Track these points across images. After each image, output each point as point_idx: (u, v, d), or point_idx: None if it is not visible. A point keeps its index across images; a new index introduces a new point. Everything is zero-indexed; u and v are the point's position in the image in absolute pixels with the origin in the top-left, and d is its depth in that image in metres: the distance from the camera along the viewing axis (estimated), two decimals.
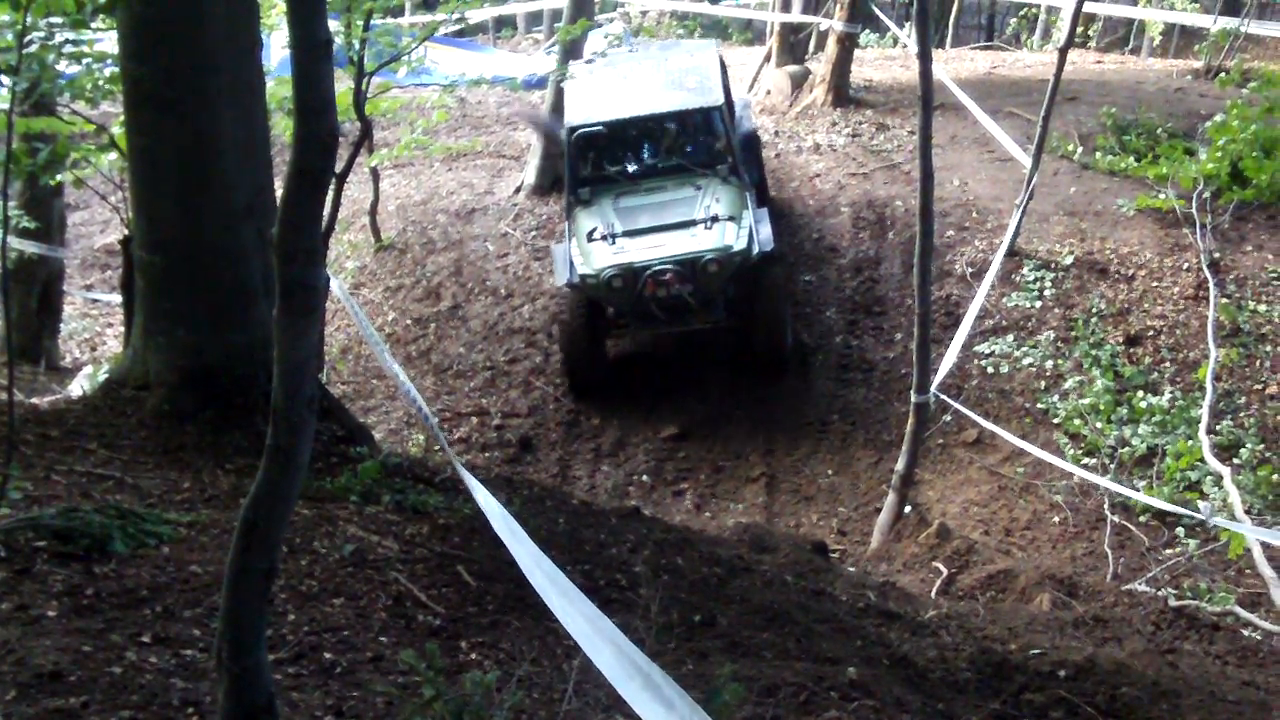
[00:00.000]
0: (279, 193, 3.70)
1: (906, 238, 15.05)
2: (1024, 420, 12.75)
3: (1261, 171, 14.79)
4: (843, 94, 20.05)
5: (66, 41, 8.87)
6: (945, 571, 10.27)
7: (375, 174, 16.64)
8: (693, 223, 13.44)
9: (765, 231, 13.56)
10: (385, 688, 4.67)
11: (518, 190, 17.87)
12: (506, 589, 5.83)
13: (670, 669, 5.28)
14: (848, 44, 19.99)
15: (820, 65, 20.76)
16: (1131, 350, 13.33)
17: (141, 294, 7.60)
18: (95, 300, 16.46)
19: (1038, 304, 14.05)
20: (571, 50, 17.32)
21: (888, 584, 9.42)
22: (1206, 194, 14.93)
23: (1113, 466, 11.85)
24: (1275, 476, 11.45)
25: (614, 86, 14.89)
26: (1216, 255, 14.22)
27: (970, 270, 14.59)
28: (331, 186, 7.94)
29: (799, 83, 20.77)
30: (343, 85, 9.92)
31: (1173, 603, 9.49)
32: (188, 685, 4.45)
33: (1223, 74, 19.18)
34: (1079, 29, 20.88)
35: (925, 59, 10.46)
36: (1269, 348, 13.15)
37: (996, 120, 16.39)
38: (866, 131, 18.93)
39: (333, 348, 14.75)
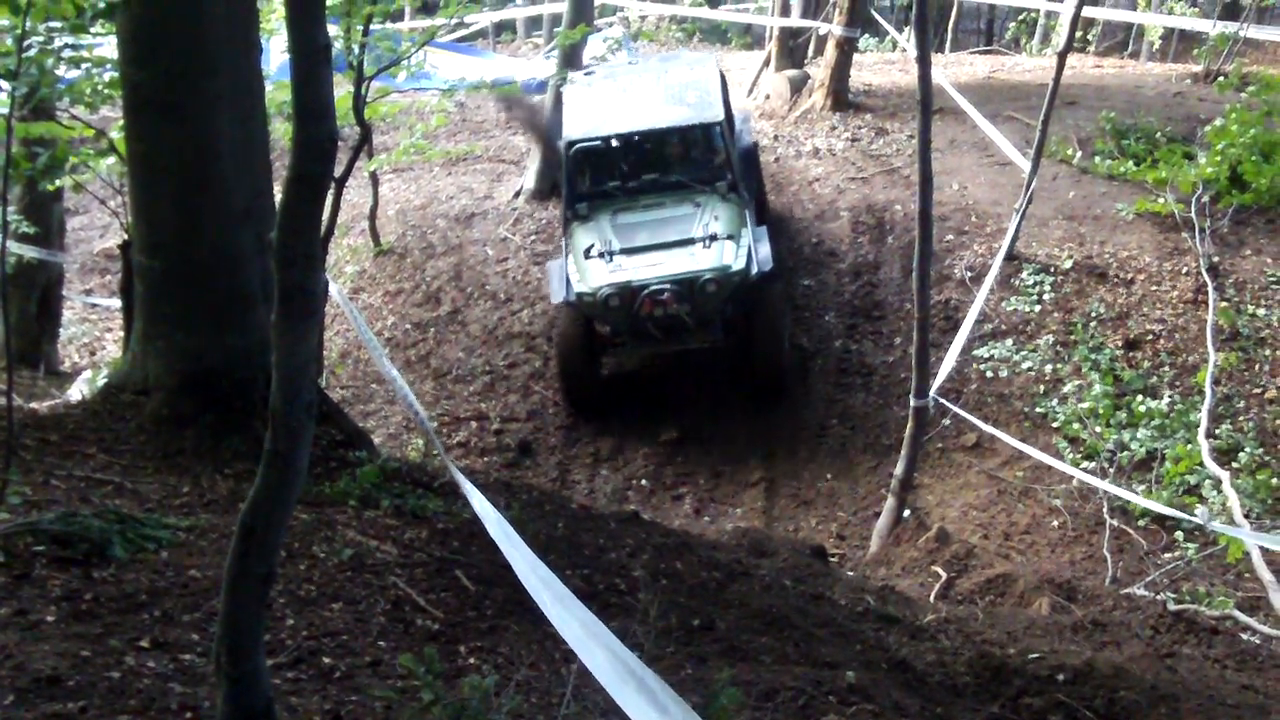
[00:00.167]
0: (278, 197, 3.69)
1: (905, 242, 15.07)
2: (1023, 424, 12.76)
3: (1260, 175, 14.80)
4: (842, 98, 20.05)
5: (66, 46, 8.86)
6: (944, 576, 10.27)
7: (375, 178, 16.65)
8: (691, 241, 13.29)
9: (764, 250, 13.38)
10: (384, 692, 4.67)
11: (517, 195, 17.88)
12: (505, 593, 5.83)
13: (669, 673, 5.29)
14: (847, 48, 20.00)
15: (819, 70, 20.77)
16: (1131, 354, 13.33)
17: (140, 298, 7.59)
18: (94, 305, 16.47)
19: (1037, 308, 14.06)
20: (571, 55, 17.35)
21: (887, 588, 9.42)
22: (1205, 198, 14.94)
23: (1112, 470, 11.85)
24: (1274, 480, 11.48)
25: (613, 100, 14.69)
26: (1215, 259, 14.22)
27: (969, 274, 14.60)
28: (331, 191, 7.95)
29: (798, 87, 20.78)
30: (342, 90, 9.93)
31: (1172, 607, 9.47)
32: (186, 690, 4.44)
33: (1221, 78, 19.20)
34: (1078, 33, 20.92)
35: (924, 63, 10.46)
36: (1268, 352, 13.16)
37: (995, 124, 16.41)
38: (865, 136, 18.94)
39: (332, 352, 14.75)
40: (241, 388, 7.32)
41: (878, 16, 24.73)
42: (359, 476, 7.28)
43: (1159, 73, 23.08)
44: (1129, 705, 6.65)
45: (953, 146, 17.79)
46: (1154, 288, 14.14)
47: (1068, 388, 13.00)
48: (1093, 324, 13.70)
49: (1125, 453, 12.06)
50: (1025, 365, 13.38)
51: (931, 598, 9.75)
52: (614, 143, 14.39)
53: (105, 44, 9.23)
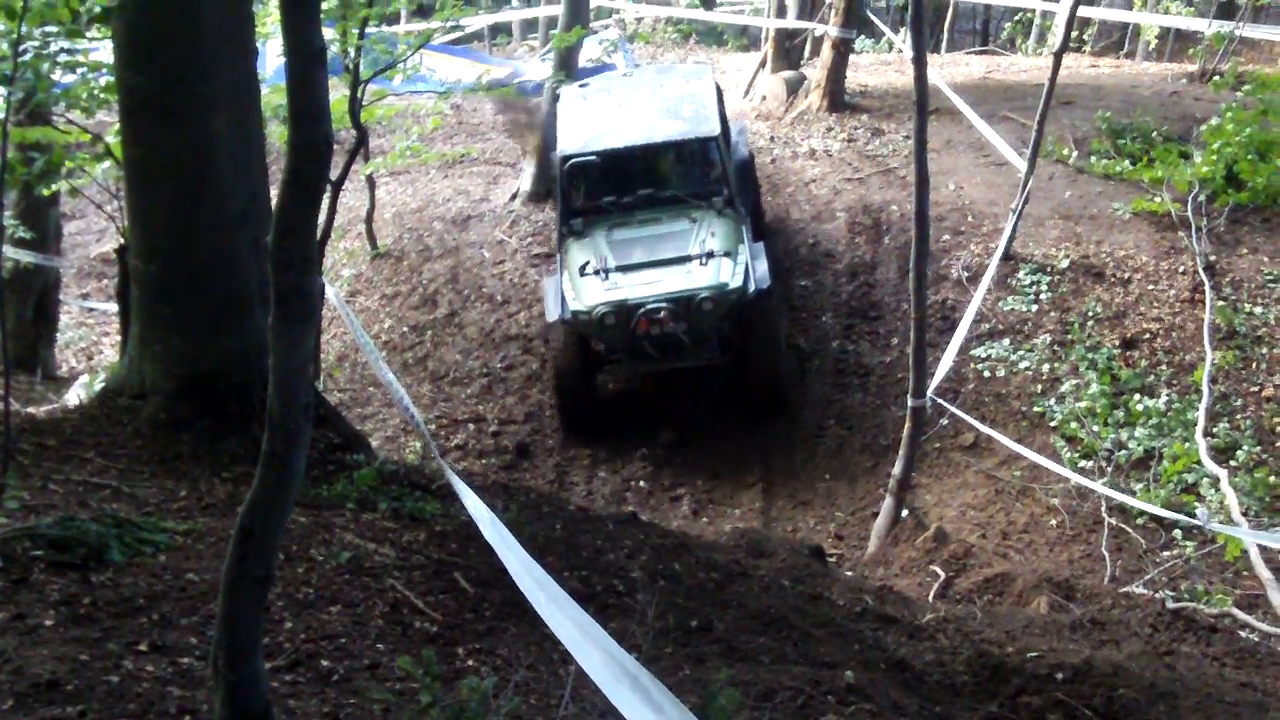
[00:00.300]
0: (275, 200, 3.70)
1: (902, 242, 15.07)
2: (1020, 424, 12.76)
3: (1257, 174, 14.81)
4: (838, 99, 20.08)
5: (62, 50, 8.87)
6: (942, 575, 10.27)
7: (371, 181, 16.66)
8: (687, 258, 13.14)
9: (761, 267, 13.24)
10: (382, 694, 4.67)
11: (514, 197, 17.90)
12: (504, 595, 5.83)
13: (667, 674, 5.30)
14: (843, 49, 20.02)
15: (815, 71, 20.81)
16: (1128, 353, 13.33)
17: (137, 302, 7.60)
18: (91, 309, 16.48)
19: (1034, 308, 14.06)
20: (567, 57, 17.35)
21: (885, 588, 9.42)
22: (1202, 197, 14.94)
23: (1110, 469, 11.86)
24: (1272, 478, 11.48)
25: (608, 114, 14.50)
26: (1212, 258, 14.23)
27: (966, 274, 14.60)
28: (327, 194, 7.96)
29: (794, 88, 20.80)
30: (338, 93, 9.94)
31: (1170, 605, 9.48)
32: (185, 693, 4.44)
33: (1217, 77, 19.19)
34: (1074, 33, 20.92)
35: (920, 64, 10.47)
36: (1265, 350, 13.16)
37: (992, 125, 16.41)
38: (862, 136, 18.96)
39: (329, 355, 14.75)
40: (239, 391, 7.33)
41: (873, 17, 24.76)
42: (357, 479, 7.29)
43: (1155, 72, 23.09)
44: (1128, 703, 6.65)
45: (949, 147, 17.80)
46: (1151, 287, 14.14)
47: (1065, 387, 13.00)
48: (1090, 323, 13.70)
49: (1123, 451, 12.06)
50: (1022, 365, 13.39)
51: (930, 597, 9.75)
52: (609, 157, 14.08)
53: (101, 48, 9.24)
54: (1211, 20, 21.26)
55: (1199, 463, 11.53)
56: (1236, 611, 9.59)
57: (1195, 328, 13.40)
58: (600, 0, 25.90)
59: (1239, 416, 12.43)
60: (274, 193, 3.87)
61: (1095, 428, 12.37)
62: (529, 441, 13.65)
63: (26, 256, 12.95)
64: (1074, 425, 12.46)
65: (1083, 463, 11.99)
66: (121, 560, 5.47)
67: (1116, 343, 13.42)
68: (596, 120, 14.40)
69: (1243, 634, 9.24)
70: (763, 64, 22.31)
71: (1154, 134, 17.34)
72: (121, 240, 8.24)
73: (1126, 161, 16.60)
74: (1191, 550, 10.70)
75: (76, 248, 18.24)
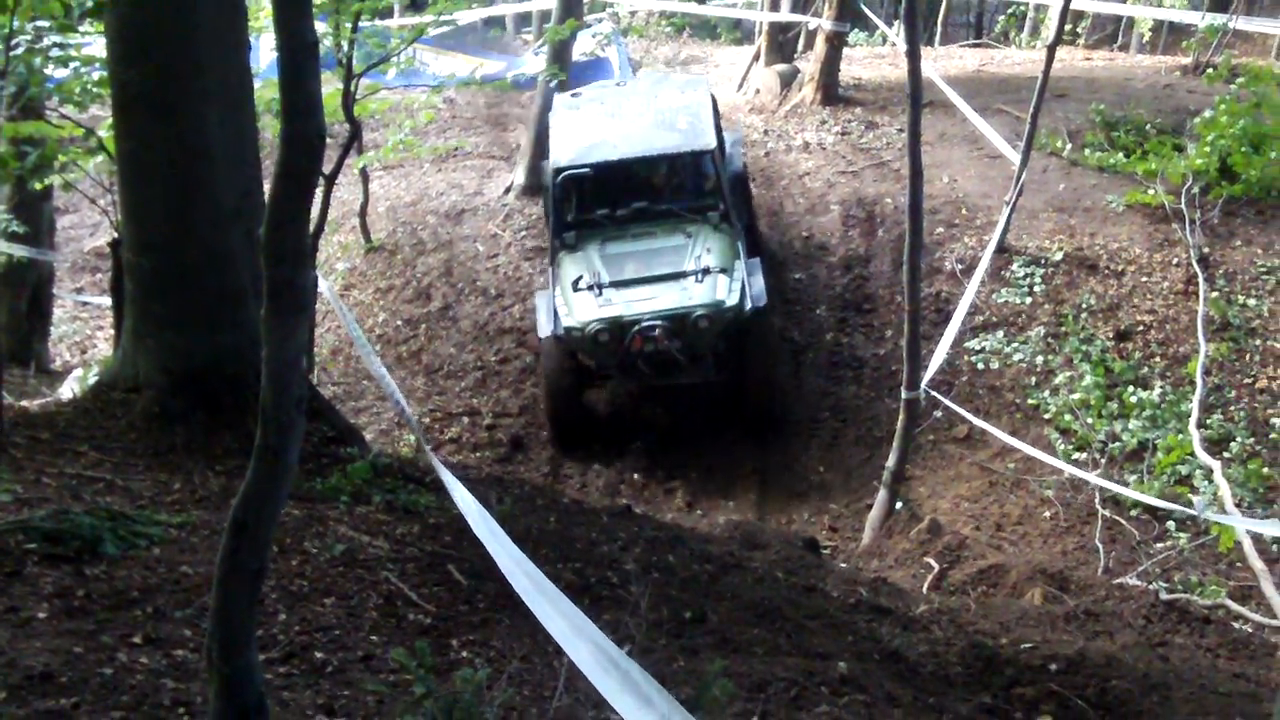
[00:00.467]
0: (268, 194, 3.71)
1: (896, 235, 15.07)
2: (1014, 416, 12.78)
3: (1250, 167, 14.82)
4: (832, 92, 20.05)
5: (54, 45, 8.88)
6: (936, 567, 10.28)
7: (365, 175, 16.64)
8: (683, 275, 12.87)
9: (758, 284, 13.04)
10: (376, 686, 4.68)
11: (507, 191, 17.88)
12: (497, 587, 5.82)
13: (661, 666, 5.31)
14: (836, 42, 20.01)
15: (809, 64, 20.78)
16: (1121, 345, 13.35)
17: (131, 296, 7.60)
18: (85, 303, 16.46)
19: (1027, 300, 14.08)
20: (561, 50, 17.32)
21: (879, 580, 9.44)
22: (1195, 189, 14.94)
23: (1103, 461, 11.87)
24: (1265, 470, 11.50)
25: (602, 125, 14.18)
26: (1206, 250, 14.25)
27: (960, 267, 14.61)
28: (321, 188, 7.95)
29: (788, 81, 20.78)
30: (331, 87, 9.94)
31: (1164, 596, 9.50)
32: (179, 686, 4.45)
33: (1211, 70, 19.23)
34: (1067, 26, 20.89)
35: (914, 57, 10.47)
36: (1258, 342, 13.19)
37: (985, 117, 16.40)
38: (855, 129, 18.94)
39: (323, 349, 14.75)
40: (233, 385, 7.34)
41: (867, 10, 24.63)
42: (350, 472, 7.30)
43: (1148, 65, 23.09)
44: (1121, 694, 6.67)
45: (943, 140, 17.80)
46: (1144, 279, 14.16)
47: (1059, 379, 13.02)
48: (1083, 315, 13.72)
49: (1117, 443, 12.08)
50: (1016, 357, 13.40)
51: (924, 589, 9.76)
52: (603, 170, 13.81)
53: (94, 43, 9.24)
54: (1205, 13, 21.25)
55: (1193, 454, 11.54)
56: (1230, 603, 9.62)
57: (1189, 320, 13.41)
58: None
59: (1233, 408, 12.46)
60: (268, 186, 3.88)
61: (1089, 420, 12.39)
62: (523, 434, 13.64)
63: (20, 251, 12.95)
64: (1068, 417, 12.48)
65: (1076, 455, 12.01)
66: (115, 553, 5.47)
67: (1110, 335, 13.44)
68: (590, 131, 14.12)
69: (1236, 625, 9.26)
70: (756, 57, 22.28)
71: (1148, 127, 17.34)
72: (115, 234, 8.25)
73: (1120, 154, 16.60)
74: (1185, 542, 10.72)
75: (70, 242, 18.21)
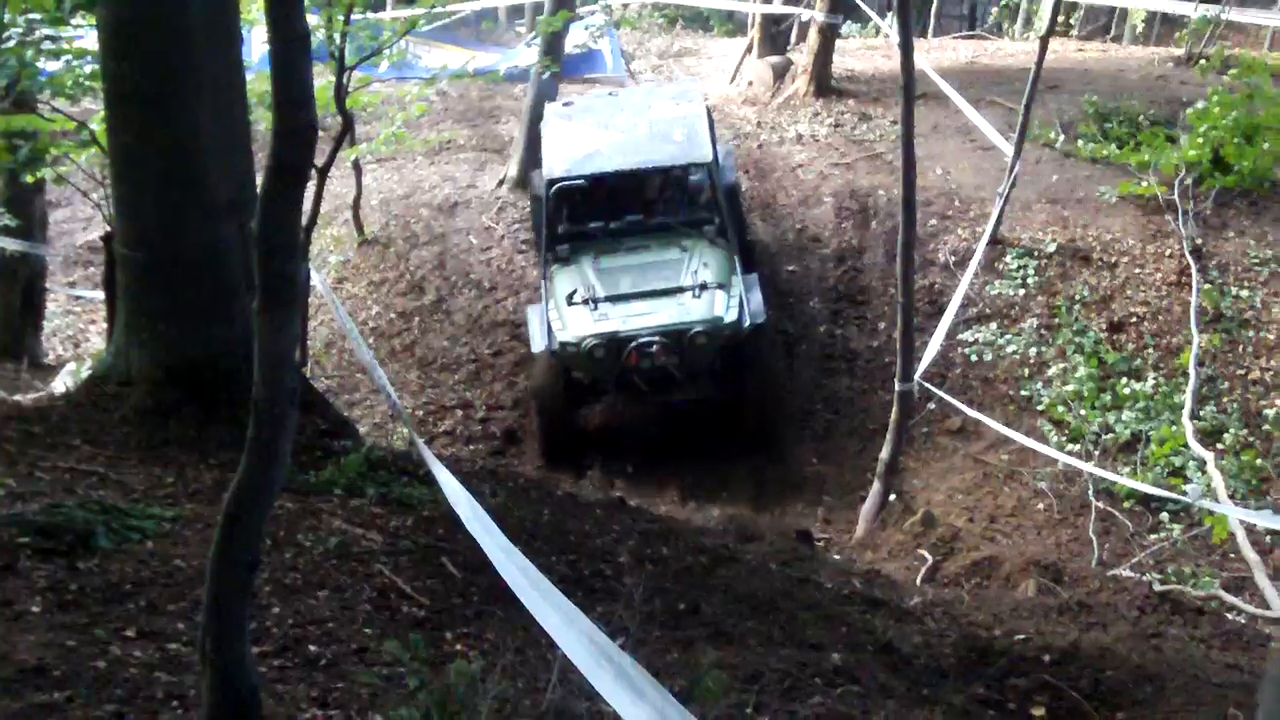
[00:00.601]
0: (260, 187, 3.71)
1: (889, 227, 15.07)
2: (1008, 407, 12.80)
3: (1243, 157, 14.83)
4: (825, 84, 20.04)
5: (46, 38, 8.87)
6: (930, 559, 10.30)
7: (358, 168, 16.59)
8: (680, 289, 12.62)
9: (756, 300, 12.76)
10: (370, 679, 4.68)
11: (501, 183, 17.86)
12: (490, 580, 5.80)
13: (655, 657, 5.32)
14: (829, 34, 20.00)
15: (802, 56, 20.77)
16: (1115, 337, 13.37)
17: (124, 290, 7.59)
18: (78, 297, 16.42)
19: (1021, 292, 14.09)
20: (553, 42, 17.31)
21: (873, 571, 9.45)
22: (1188, 180, 14.97)
23: (1097, 453, 11.89)
24: (1259, 461, 11.52)
25: (596, 137, 13.86)
26: (1199, 241, 14.27)
27: (953, 259, 14.62)
28: (313, 180, 7.95)
29: (781, 73, 20.77)
30: (323, 80, 9.92)
31: (1157, 587, 9.51)
32: (172, 679, 4.45)
33: (1203, 61, 19.20)
34: (1060, 18, 20.94)
35: (907, 49, 10.47)
36: (1251, 333, 13.22)
37: (979, 109, 16.40)
38: (849, 122, 18.95)
39: (316, 342, 14.72)
40: (226, 378, 7.33)
41: (860, 2, 24.61)
42: (344, 466, 7.29)
43: (1141, 56, 23.08)
44: (1114, 685, 6.68)
45: (936, 132, 17.79)
46: (1137, 270, 14.17)
47: (1052, 371, 13.04)
48: (1077, 307, 13.73)
49: (1110, 435, 12.10)
50: (1010, 349, 13.41)
51: (917, 581, 9.78)
52: (597, 182, 13.55)
53: (85, 36, 9.22)
54: (1197, 4, 21.21)
55: (1186, 446, 11.57)
56: (1223, 594, 9.62)
57: (1182, 311, 13.44)
58: None
59: (1226, 399, 12.48)
60: (260, 179, 3.87)
61: (1082, 411, 12.41)
62: (516, 427, 13.62)
63: (12, 244, 12.93)
64: (1061, 409, 12.50)
65: (1070, 446, 12.03)
66: (108, 547, 5.47)
67: (1103, 326, 13.46)
68: (583, 142, 13.84)
69: (1230, 616, 9.27)
70: (749, 49, 22.25)
71: (1140, 118, 17.36)
72: (108, 228, 8.24)
73: (1113, 145, 16.61)
74: (1178, 533, 10.73)
75: (63, 235, 18.16)
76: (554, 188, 13.38)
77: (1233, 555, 10.35)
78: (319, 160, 7.13)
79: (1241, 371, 12.82)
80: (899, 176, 11.02)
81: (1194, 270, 13.75)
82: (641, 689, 3.91)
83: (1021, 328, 13.63)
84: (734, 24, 31.54)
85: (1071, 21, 27.10)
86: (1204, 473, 11.15)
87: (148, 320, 7.44)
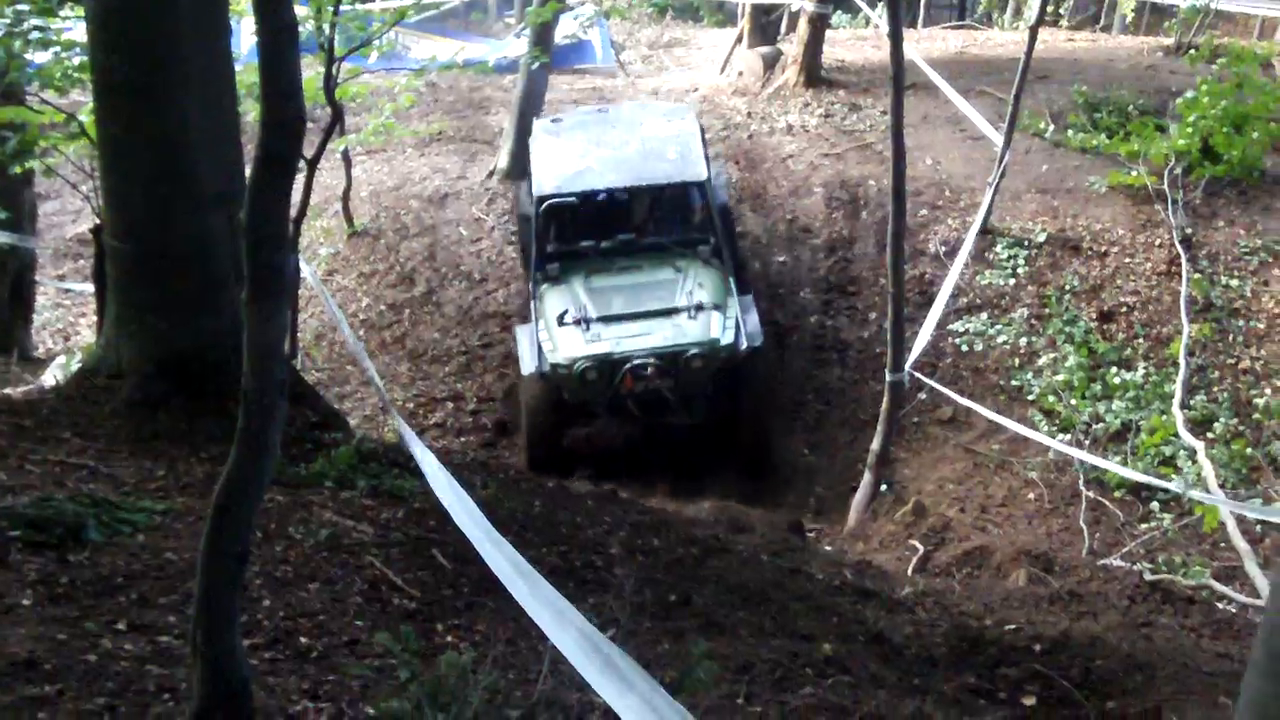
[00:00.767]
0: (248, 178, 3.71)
1: (880, 217, 15.09)
2: (998, 397, 12.80)
3: (1232, 147, 14.86)
4: (815, 75, 20.06)
5: (34, 29, 8.84)
6: (921, 549, 10.32)
7: (348, 160, 16.58)
8: (675, 310, 12.23)
9: (753, 322, 12.42)
10: (361, 670, 4.68)
11: (490, 175, 17.87)
12: (481, 571, 5.79)
13: (646, 648, 5.32)
14: (819, 25, 20.03)
15: (792, 46, 20.81)
16: (1105, 326, 13.39)
17: (113, 282, 7.58)
18: (68, 290, 16.40)
19: (1011, 282, 14.10)
20: (543, 33, 17.29)
21: (864, 562, 9.46)
22: (1178, 170, 14.99)
23: (1087, 442, 11.90)
24: (1249, 450, 11.53)
25: (587, 153, 13.42)
26: (1188, 231, 14.28)
27: (943, 249, 14.62)
28: (302, 172, 7.93)
29: (771, 64, 20.79)
30: (312, 71, 9.90)
31: (1148, 577, 9.53)
32: (163, 671, 4.44)
33: (1193, 50, 19.24)
34: (1050, 7, 20.99)
35: (896, 39, 10.48)
36: (1241, 322, 13.23)
37: (968, 99, 16.39)
38: (839, 112, 18.96)
39: (306, 335, 14.70)
40: (216, 370, 7.31)
41: None
42: (335, 458, 7.27)
43: (1131, 46, 23.14)
44: (1105, 674, 6.69)
45: (926, 122, 17.81)
46: (1127, 260, 14.19)
47: (1043, 360, 13.05)
48: (1067, 297, 13.75)
49: (1100, 424, 12.11)
50: (1000, 339, 13.42)
51: (909, 571, 9.80)
52: (590, 199, 13.18)
53: (74, 28, 9.20)
54: None
55: (1176, 435, 11.58)
56: (1214, 583, 9.64)
57: (1172, 300, 13.46)
58: None
59: (1216, 389, 12.50)
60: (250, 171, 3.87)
61: (1073, 401, 12.42)
62: (507, 419, 13.60)
63: (1, 237, 12.89)
64: (1051, 398, 12.51)
65: (1060, 436, 12.03)
66: (99, 540, 5.46)
67: (1094, 316, 13.47)
68: (574, 159, 13.42)
69: (1220, 605, 9.28)
70: (739, 40, 22.30)
71: (1130, 107, 17.38)
72: (97, 220, 8.22)
73: (1103, 135, 16.64)
74: (1169, 522, 10.74)
75: (52, 228, 18.13)
76: (544, 204, 12.97)
77: (1223, 544, 10.36)
78: (308, 151, 7.13)
79: (1231, 361, 12.84)
80: (889, 167, 11.04)
81: (1184, 259, 13.77)
82: (630, 679, 3.91)
83: (1012, 317, 13.64)
84: (724, 14, 31.59)
85: (1061, 11, 27.11)
86: (1194, 462, 11.17)
87: (137, 312, 7.42)
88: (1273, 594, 2.82)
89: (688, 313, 12.21)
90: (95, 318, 9.41)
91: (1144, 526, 10.86)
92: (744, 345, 12.15)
